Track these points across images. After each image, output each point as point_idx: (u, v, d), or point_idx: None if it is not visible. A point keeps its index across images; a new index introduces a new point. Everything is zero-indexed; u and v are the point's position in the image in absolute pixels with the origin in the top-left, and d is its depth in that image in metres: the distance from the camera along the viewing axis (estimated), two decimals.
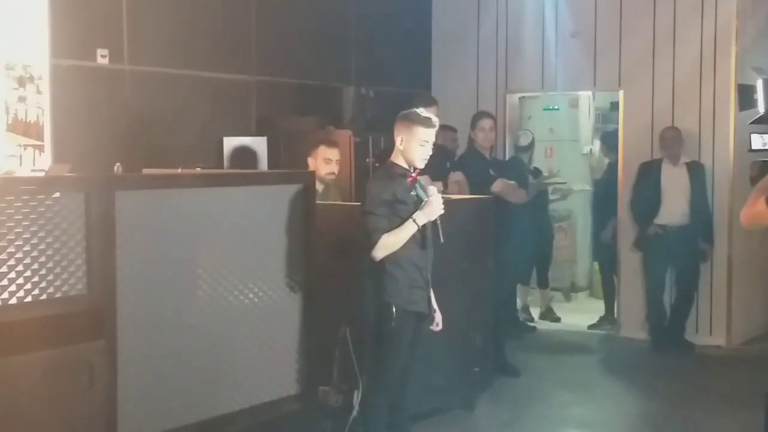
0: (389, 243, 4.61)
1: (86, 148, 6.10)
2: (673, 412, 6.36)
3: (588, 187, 9.95)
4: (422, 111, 4.82)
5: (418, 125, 4.71)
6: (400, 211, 4.66)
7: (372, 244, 4.60)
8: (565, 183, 9.48)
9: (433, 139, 4.79)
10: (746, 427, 5.92)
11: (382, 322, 4.71)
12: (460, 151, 7.81)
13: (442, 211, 4.69)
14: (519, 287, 8.79)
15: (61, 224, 3.94)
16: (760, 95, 3.48)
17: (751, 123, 3.61)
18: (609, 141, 9.16)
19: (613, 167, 8.87)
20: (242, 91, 7.56)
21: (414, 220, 4.63)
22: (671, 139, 7.97)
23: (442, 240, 4.75)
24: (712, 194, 8.02)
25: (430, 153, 4.76)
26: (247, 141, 7.14)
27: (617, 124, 8.78)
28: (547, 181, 8.79)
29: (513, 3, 8.97)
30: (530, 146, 8.54)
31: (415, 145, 4.71)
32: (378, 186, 4.72)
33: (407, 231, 4.63)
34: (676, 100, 8.24)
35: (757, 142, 3.57)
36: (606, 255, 8.90)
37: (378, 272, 4.71)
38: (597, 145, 9.93)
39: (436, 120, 4.81)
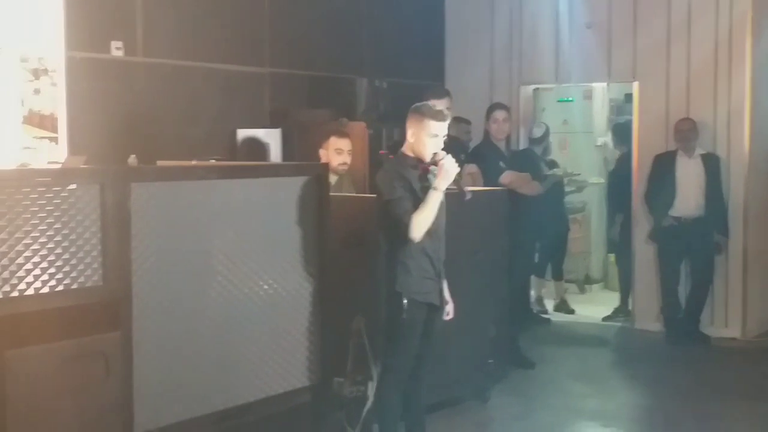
0: (422, 219, 4.60)
1: (101, 140, 6.12)
2: (687, 404, 6.36)
3: (602, 180, 9.94)
4: (434, 104, 4.83)
5: (429, 119, 4.72)
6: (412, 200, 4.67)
7: (406, 228, 4.59)
8: (579, 175, 9.46)
9: (445, 132, 4.79)
10: (761, 420, 5.93)
11: (392, 313, 4.73)
12: (474, 144, 7.80)
13: (458, 169, 4.68)
14: (533, 279, 8.79)
15: (77, 216, 3.96)
16: None
17: None
18: (620, 133, 9.16)
19: (625, 159, 8.86)
20: (256, 82, 7.57)
21: (435, 189, 4.62)
22: (687, 131, 7.95)
23: (468, 197, 4.79)
24: (727, 186, 7.99)
25: (441, 146, 4.77)
26: (260, 133, 7.16)
27: (631, 115, 8.77)
28: (562, 173, 8.78)
29: None
30: (543, 138, 8.52)
31: (425, 138, 4.72)
32: (390, 174, 4.73)
33: (434, 202, 4.62)
34: (691, 92, 8.21)
35: None
36: (621, 247, 8.90)
37: (390, 262, 4.72)
38: (609, 137, 9.90)
39: (447, 113, 4.82)
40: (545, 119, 10.16)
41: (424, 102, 4.88)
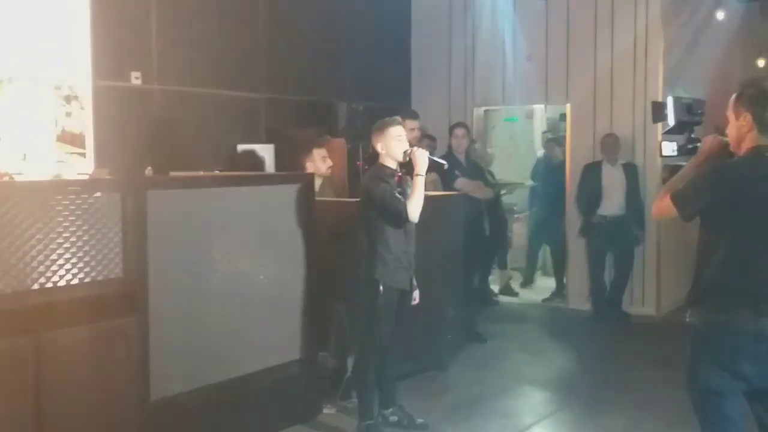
0: (416, 202, 4.61)
1: (122, 155, 6.07)
2: (611, 370, 6.39)
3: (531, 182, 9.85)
4: (387, 117, 4.83)
5: (389, 126, 4.75)
6: None
7: (405, 214, 4.59)
8: (523, 183, 9.47)
9: (405, 134, 4.81)
10: (671, 382, 5.95)
11: (371, 297, 4.72)
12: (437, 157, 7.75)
13: (427, 153, 4.71)
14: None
15: (102, 219, 3.93)
16: (669, 111, 3.54)
17: (664, 133, 3.66)
18: (547, 145, 9.20)
19: (551, 167, 8.94)
20: (253, 106, 7.53)
21: (418, 175, 4.62)
22: (610, 145, 7.98)
23: (446, 165, 4.95)
24: (644, 189, 8.04)
25: (407, 144, 4.76)
26: (257, 148, 7.12)
27: (565, 131, 8.79)
28: (505, 181, 8.85)
29: (478, 30, 8.95)
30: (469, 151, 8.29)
31: (393, 144, 4.73)
32: (376, 179, 4.73)
33: (420, 185, 4.62)
34: (614, 111, 8.25)
35: (667, 148, 3.61)
36: (555, 239, 8.93)
37: (370, 254, 4.71)
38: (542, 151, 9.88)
39: (400, 118, 4.84)
40: (494, 136, 10.19)
41: (379, 120, 4.87)
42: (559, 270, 8.96)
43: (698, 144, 3.44)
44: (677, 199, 3.19)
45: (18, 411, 3.61)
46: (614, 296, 8.06)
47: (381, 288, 4.67)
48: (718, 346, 3.14)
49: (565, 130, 8.98)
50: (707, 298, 3.17)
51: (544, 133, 9.99)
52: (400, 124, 4.79)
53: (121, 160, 5.96)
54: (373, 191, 4.68)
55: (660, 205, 3.27)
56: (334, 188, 6.47)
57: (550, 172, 9.13)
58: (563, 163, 8.76)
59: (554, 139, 9.45)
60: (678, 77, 8.11)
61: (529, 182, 9.61)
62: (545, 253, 9.94)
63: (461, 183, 6.97)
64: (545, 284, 9.52)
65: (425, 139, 7.66)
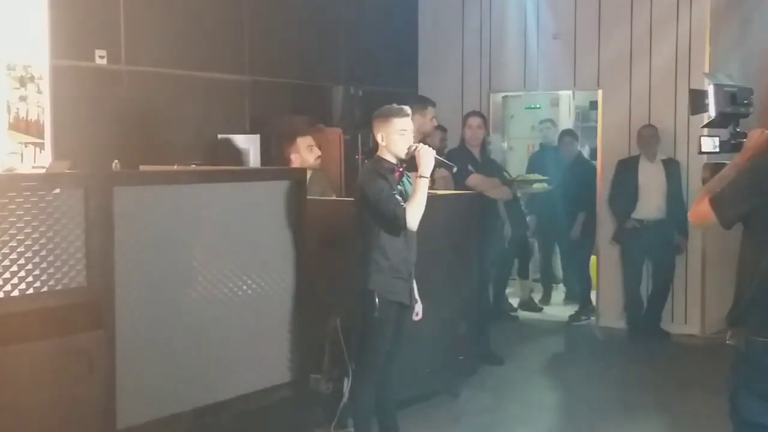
0: (416, 207, 4.60)
1: (85, 146, 6.08)
2: (647, 397, 6.40)
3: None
4: (395, 105, 4.84)
5: (393, 117, 4.75)
6: None
7: (401, 220, 4.59)
8: (547, 179, 9.47)
9: (411, 127, 4.82)
10: (717, 413, 5.96)
11: (365, 311, 4.73)
12: (449, 149, 7.78)
13: (434, 152, 4.72)
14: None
15: (62, 219, 3.94)
16: (710, 100, 3.52)
17: (703, 127, 3.65)
18: (564, 140, 9.19)
19: (573, 163, 8.93)
20: (236, 90, 7.55)
21: (422, 177, 4.63)
22: (648, 137, 8.00)
23: (455, 169, 5.02)
24: (687, 190, 8.06)
25: (411, 140, 4.78)
26: (240, 138, 7.14)
27: (596, 122, 8.81)
28: (527, 178, 8.84)
29: (496, 5, 8.97)
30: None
31: (395, 137, 4.73)
32: (372, 175, 4.74)
33: (423, 188, 4.63)
34: (652, 99, 8.26)
35: (707, 144, 3.59)
36: (581, 247, 8.90)
37: (364, 261, 4.73)
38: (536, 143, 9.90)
39: (408, 109, 4.83)
40: (513, 126, 10.20)
41: (384, 106, 4.87)
42: (584, 282, 8.95)
43: (743, 139, 3.43)
44: (716, 202, 3.18)
45: None
46: (652, 312, 8.08)
47: (377, 300, 4.69)
48: (761, 371, 3.13)
49: (595, 120, 9.00)
50: (749, 317, 3.16)
51: (542, 122, 9.96)
52: (407, 115, 4.78)
53: (84, 152, 5.98)
54: (368, 189, 4.70)
55: (698, 210, 3.27)
56: (326, 182, 6.49)
57: (570, 168, 9.11)
58: (579, 158, 8.79)
59: (569, 131, 9.47)
60: (727, 60, 8.13)
61: (544, 184, 9.61)
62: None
63: (475, 180, 6.98)
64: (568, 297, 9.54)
65: (436, 131, 7.69)
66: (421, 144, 4.79)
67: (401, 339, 4.88)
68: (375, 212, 4.67)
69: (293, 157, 6.20)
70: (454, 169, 5.09)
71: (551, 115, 10.37)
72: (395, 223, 4.63)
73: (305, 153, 6.18)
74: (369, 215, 4.70)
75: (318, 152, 6.28)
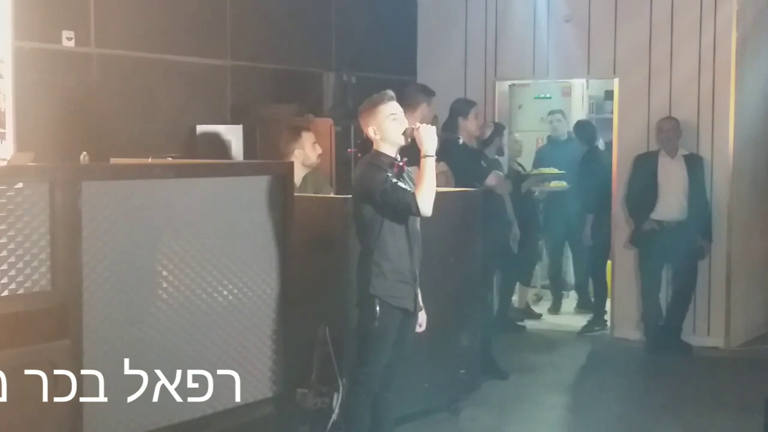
0: (426, 191, 4.61)
1: (51, 136, 6.06)
2: (667, 416, 6.40)
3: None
4: (374, 94, 4.86)
5: (379, 105, 4.78)
6: None
7: (416, 206, 4.60)
8: (564, 173, 9.47)
9: (401, 111, 4.83)
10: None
11: (365, 318, 4.73)
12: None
13: (434, 128, 4.76)
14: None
15: (24, 216, 3.93)
16: None
17: None
18: (582, 131, 9.21)
19: (587, 156, 8.95)
20: (216, 76, 7.53)
21: (427, 156, 4.64)
22: (669, 131, 8.00)
23: (461, 139, 4.94)
24: (710, 188, 8.06)
25: (406, 124, 4.79)
26: (221, 129, 7.13)
27: (611, 113, 8.82)
28: (543, 173, 8.87)
29: None
30: (492, 138, 8.27)
31: (387, 125, 4.74)
32: (372, 168, 4.74)
33: (430, 170, 4.64)
34: (673, 89, 8.26)
35: None
36: (596, 251, 8.93)
37: (364, 264, 4.73)
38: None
39: (391, 92, 4.85)
40: (522, 116, 10.18)
41: (366, 99, 4.90)
42: (599, 291, 8.95)
43: None
44: None
45: None
46: (672, 322, 8.09)
47: (377, 307, 4.68)
48: None
49: (610, 111, 9.01)
50: None
51: (552, 113, 9.98)
52: (392, 98, 4.81)
53: (49, 143, 5.96)
54: (370, 183, 4.69)
55: None
56: (322, 182, 6.51)
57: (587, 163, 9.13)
58: (593, 149, 8.80)
59: (584, 122, 9.49)
60: (756, 45, 8.14)
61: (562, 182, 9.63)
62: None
63: (495, 179, 6.97)
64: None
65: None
66: (418, 123, 4.82)
67: (404, 350, 4.88)
68: (383, 206, 4.67)
69: (297, 152, 6.22)
70: (461, 140, 5.09)
71: (563, 105, 10.38)
72: (407, 211, 4.65)
73: (309, 149, 6.26)
74: (375, 211, 4.70)
75: (320, 150, 6.36)
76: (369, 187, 4.69)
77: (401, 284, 4.76)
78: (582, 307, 9.38)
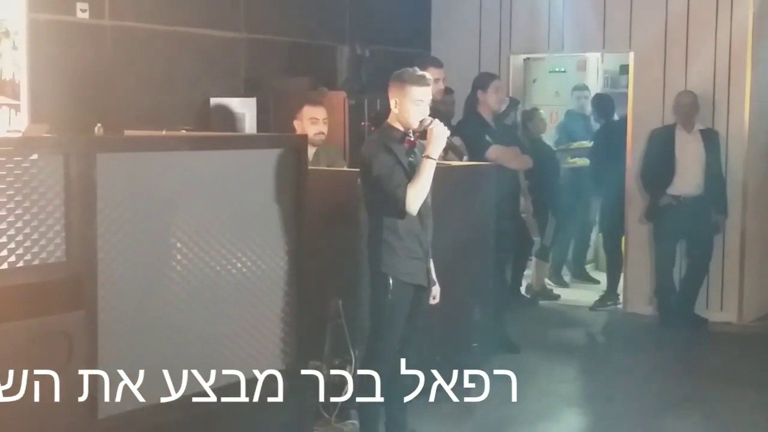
0: (418, 191, 4.61)
1: (65, 108, 6.08)
2: (680, 389, 6.42)
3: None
4: (415, 69, 4.81)
5: (411, 85, 4.71)
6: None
7: (401, 202, 4.59)
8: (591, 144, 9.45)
9: (429, 98, 4.79)
10: (757, 407, 5.99)
11: (378, 295, 4.74)
12: (457, 115, 7.76)
13: (448, 133, 4.72)
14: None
15: (39, 188, 3.94)
16: None
17: None
18: (601, 105, 9.20)
19: (603, 130, 8.99)
20: (231, 49, 7.53)
21: (428, 157, 4.63)
22: (687, 105, 7.95)
23: (466, 157, 4.95)
24: (725, 163, 8.03)
25: (427, 112, 4.76)
26: (234, 102, 7.13)
27: (626, 87, 8.78)
28: (573, 147, 8.89)
29: None
30: (507, 112, 8.23)
31: (409, 106, 4.71)
32: (376, 147, 4.73)
33: (428, 171, 4.62)
34: (689, 63, 8.21)
35: None
36: (610, 226, 8.92)
37: (375, 241, 4.73)
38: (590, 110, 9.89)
39: (430, 78, 4.81)
40: (536, 91, 10.16)
41: (405, 68, 4.85)
42: (613, 267, 8.94)
43: None
44: None
45: None
46: (686, 297, 8.08)
47: (390, 283, 4.69)
48: None
49: (625, 85, 8.96)
50: None
51: (577, 88, 9.96)
52: (427, 85, 4.75)
53: (64, 115, 5.98)
54: (371, 161, 4.69)
55: None
56: (330, 156, 6.49)
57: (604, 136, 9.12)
58: (611, 123, 8.76)
59: (604, 96, 9.47)
60: None
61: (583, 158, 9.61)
62: (595, 241, 9.97)
63: (496, 153, 6.95)
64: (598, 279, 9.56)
65: (448, 95, 7.67)
66: (437, 120, 4.74)
67: (418, 323, 4.90)
68: (375, 188, 4.68)
69: (296, 124, 6.22)
70: (465, 158, 5.06)
71: (577, 79, 10.34)
72: (394, 205, 4.63)
73: (307, 125, 6.22)
74: (368, 189, 4.69)
75: (321, 128, 6.29)
76: (370, 167, 4.69)
77: (413, 260, 4.76)
78: (577, 277, 9.51)
